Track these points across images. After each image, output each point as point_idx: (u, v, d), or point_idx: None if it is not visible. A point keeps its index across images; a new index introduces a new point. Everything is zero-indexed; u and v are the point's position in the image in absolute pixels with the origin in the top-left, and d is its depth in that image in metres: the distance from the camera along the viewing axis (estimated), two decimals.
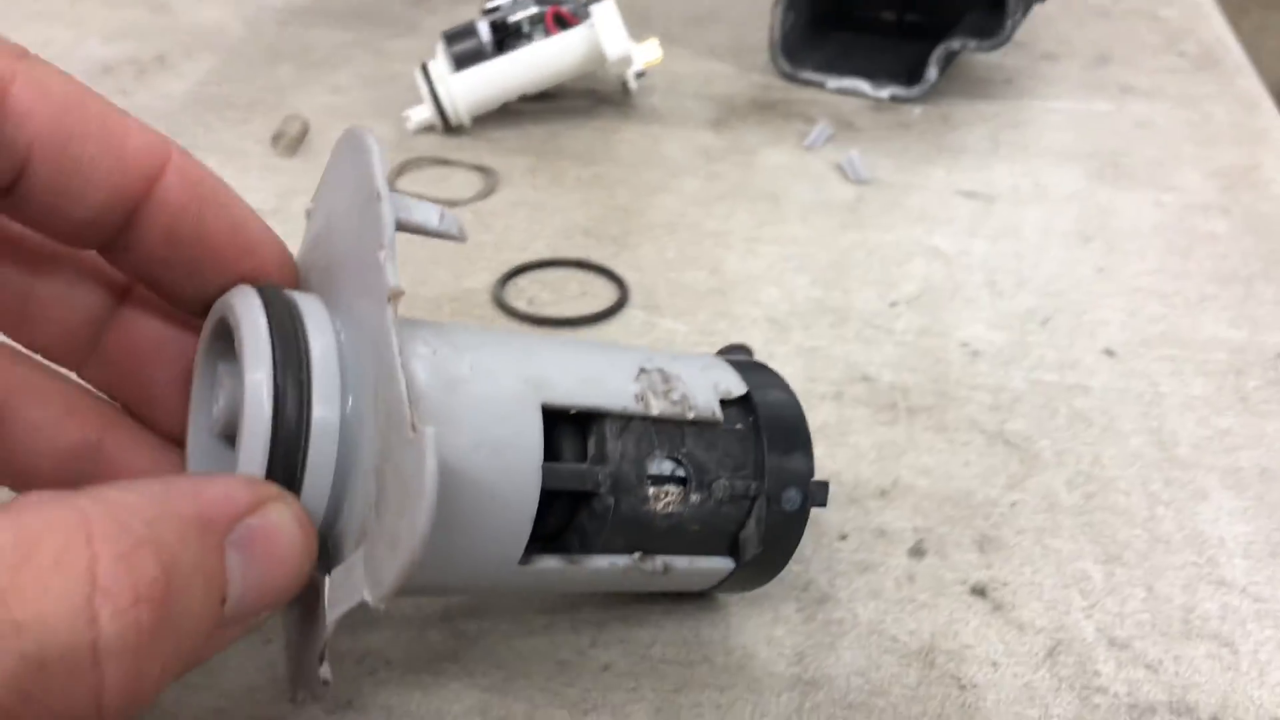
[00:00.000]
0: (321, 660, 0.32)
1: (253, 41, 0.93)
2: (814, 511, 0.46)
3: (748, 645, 0.41)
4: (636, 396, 0.36)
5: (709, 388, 0.38)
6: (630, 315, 0.60)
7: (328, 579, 0.32)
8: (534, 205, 0.71)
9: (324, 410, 0.31)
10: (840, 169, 0.76)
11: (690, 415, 0.37)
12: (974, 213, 0.72)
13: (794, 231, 0.69)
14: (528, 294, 0.62)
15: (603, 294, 0.62)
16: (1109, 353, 0.59)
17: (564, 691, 0.39)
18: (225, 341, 0.34)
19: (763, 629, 0.42)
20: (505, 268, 0.64)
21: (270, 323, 0.31)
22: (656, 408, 0.36)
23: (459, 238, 0.35)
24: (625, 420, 0.36)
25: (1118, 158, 0.79)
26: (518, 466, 0.33)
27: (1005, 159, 0.79)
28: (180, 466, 0.36)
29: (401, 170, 0.75)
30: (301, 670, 0.35)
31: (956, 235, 0.69)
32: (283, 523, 0.28)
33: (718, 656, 0.40)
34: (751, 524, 0.38)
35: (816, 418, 0.52)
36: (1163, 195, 0.74)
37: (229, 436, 0.35)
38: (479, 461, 0.32)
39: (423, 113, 0.79)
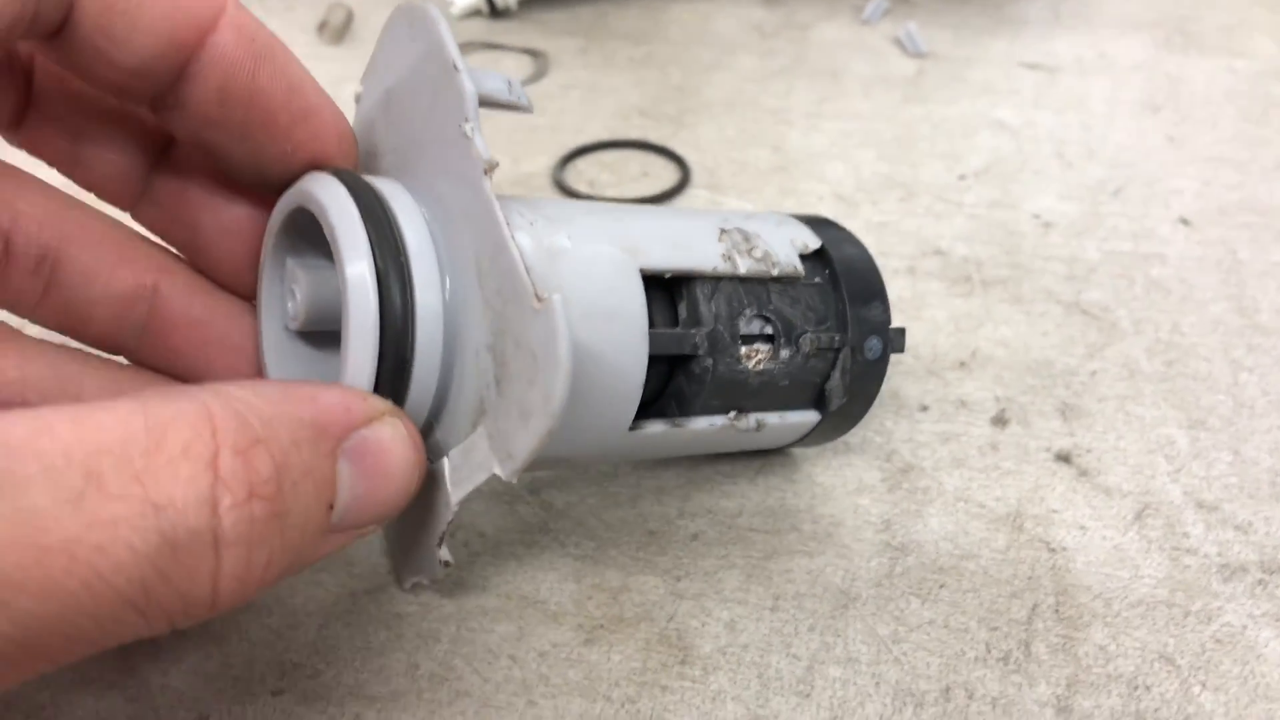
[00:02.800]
0: (441, 543, 0.33)
1: None
2: (893, 383, 0.46)
3: (834, 514, 0.41)
4: (724, 256, 0.36)
5: (787, 243, 0.38)
6: (693, 195, 0.59)
7: (445, 461, 0.32)
8: (587, 87, 0.70)
9: (428, 296, 0.30)
10: (898, 43, 0.74)
11: (774, 271, 0.37)
12: (1038, 85, 0.70)
13: (855, 107, 0.67)
14: (587, 176, 0.61)
15: (664, 174, 0.61)
16: (1184, 222, 0.57)
17: (655, 560, 0.39)
18: (296, 235, 0.34)
19: (848, 498, 0.42)
20: (563, 150, 0.63)
21: (362, 211, 0.30)
22: (743, 266, 0.36)
23: (527, 108, 0.34)
24: (715, 281, 0.35)
25: (1185, 24, 0.76)
26: (626, 333, 0.32)
27: (1067, 29, 0.77)
28: (234, 314, 0.36)
29: None
30: (417, 555, 0.35)
31: (1021, 108, 0.68)
32: (395, 437, 0.28)
33: (805, 525, 0.40)
34: (836, 375, 0.38)
35: (890, 292, 0.51)
36: (1234, 62, 0.72)
37: (307, 333, 0.35)
38: (591, 331, 0.32)
39: None
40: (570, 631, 0.36)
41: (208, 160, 0.34)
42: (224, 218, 0.36)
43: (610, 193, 0.59)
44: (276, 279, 0.35)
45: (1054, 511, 0.41)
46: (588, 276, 0.32)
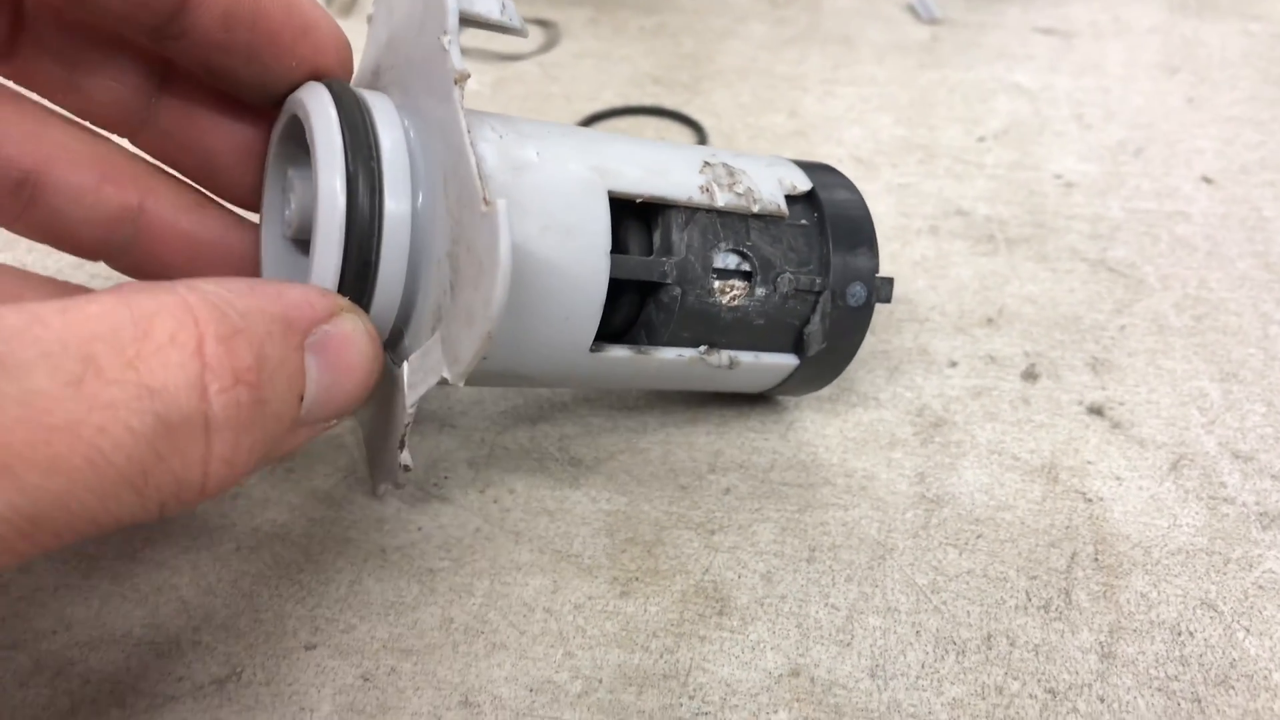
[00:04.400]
0: (402, 447, 0.33)
1: None
2: (921, 339, 0.45)
3: (867, 468, 0.41)
4: (701, 188, 0.36)
5: (774, 182, 0.38)
6: None
7: (405, 365, 0.32)
8: (599, 56, 0.69)
9: (396, 203, 0.31)
10: (911, 9, 0.74)
11: (755, 208, 0.36)
12: (1054, 49, 0.70)
13: (870, 72, 0.67)
14: None
15: (681, 139, 0.61)
16: (1207, 180, 0.57)
17: (688, 514, 0.39)
18: (295, 144, 0.34)
19: (880, 452, 0.41)
20: (577, 118, 0.62)
21: (341, 117, 0.31)
22: (722, 199, 0.36)
23: (520, 30, 0.34)
24: (690, 212, 0.35)
25: None
26: (586, 251, 0.33)
27: None
28: (224, 228, 0.36)
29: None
30: (383, 460, 0.35)
31: (1038, 72, 0.67)
32: (355, 331, 0.28)
33: (838, 479, 0.40)
34: (816, 319, 0.38)
35: (914, 251, 0.51)
36: (1250, 25, 0.71)
37: (301, 241, 0.35)
38: (548, 244, 0.32)
39: None
40: (605, 585, 0.36)
41: (210, 82, 0.34)
42: (232, 138, 0.35)
43: None
44: (277, 189, 0.35)
45: (1089, 463, 0.41)
46: (550, 191, 0.32)
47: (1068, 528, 0.38)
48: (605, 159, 0.34)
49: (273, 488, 0.39)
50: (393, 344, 0.34)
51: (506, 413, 0.43)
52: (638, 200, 0.34)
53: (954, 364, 0.45)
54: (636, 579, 0.36)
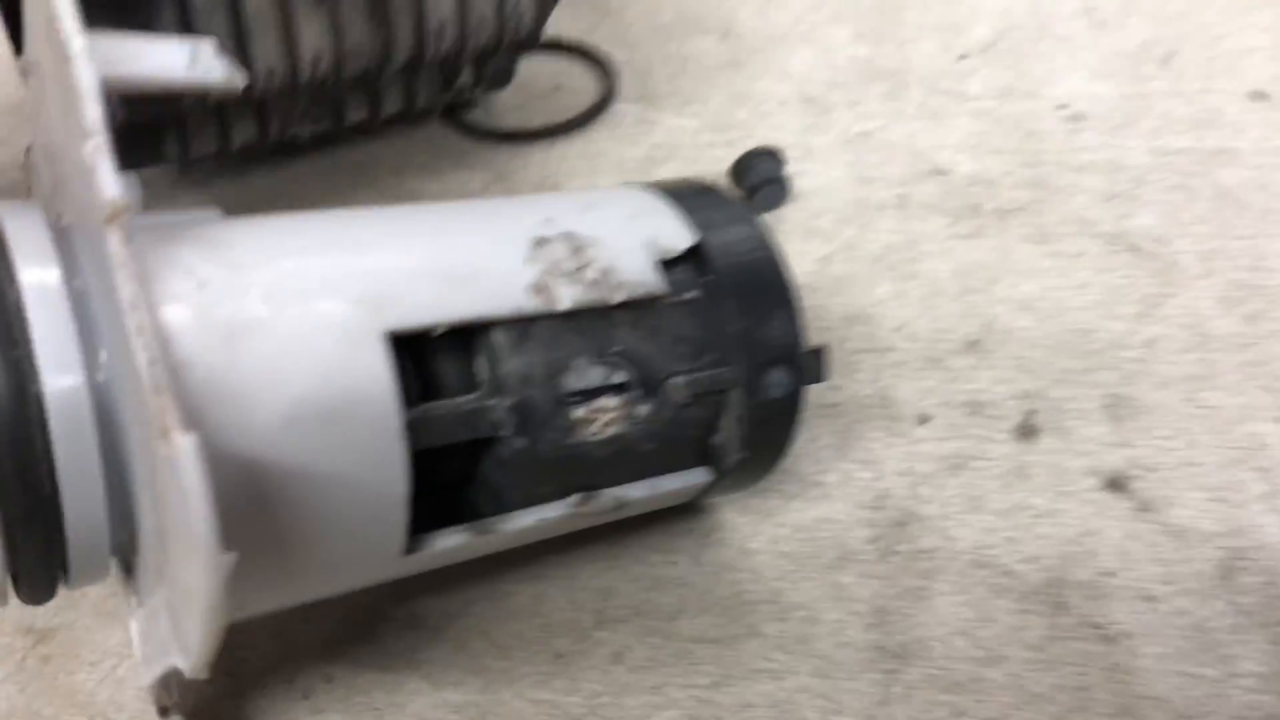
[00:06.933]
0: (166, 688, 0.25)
1: None
2: (881, 383, 0.35)
3: (807, 602, 0.30)
4: (535, 288, 0.25)
5: (640, 247, 0.27)
6: (619, 113, 0.46)
7: (132, 623, 0.25)
8: None
9: (59, 379, 0.21)
10: None
11: (619, 296, 0.26)
12: None
13: None
14: (484, 100, 0.48)
15: (581, 85, 0.48)
16: (1259, 96, 0.44)
17: (563, 702, 0.28)
18: None
19: (826, 574, 0.31)
20: None
21: None
22: (567, 297, 0.25)
23: (225, 83, 0.24)
24: (524, 325, 0.25)
25: None
26: (363, 434, 0.22)
27: None
28: None
29: None
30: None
31: None
32: None
33: (768, 625, 0.30)
34: (728, 423, 0.28)
35: (875, 238, 0.39)
36: None
37: None
38: (302, 441, 0.22)
39: None
40: None
41: None
42: None
43: (512, 120, 0.46)
44: None
45: (1107, 574, 0.30)
46: (292, 360, 0.22)
47: (1080, 691, 0.28)
48: (375, 276, 0.24)
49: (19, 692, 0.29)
50: (125, 560, 0.24)
51: None
52: (435, 334, 0.23)
53: (925, 419, 0.34)
54: None
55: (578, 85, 0.48)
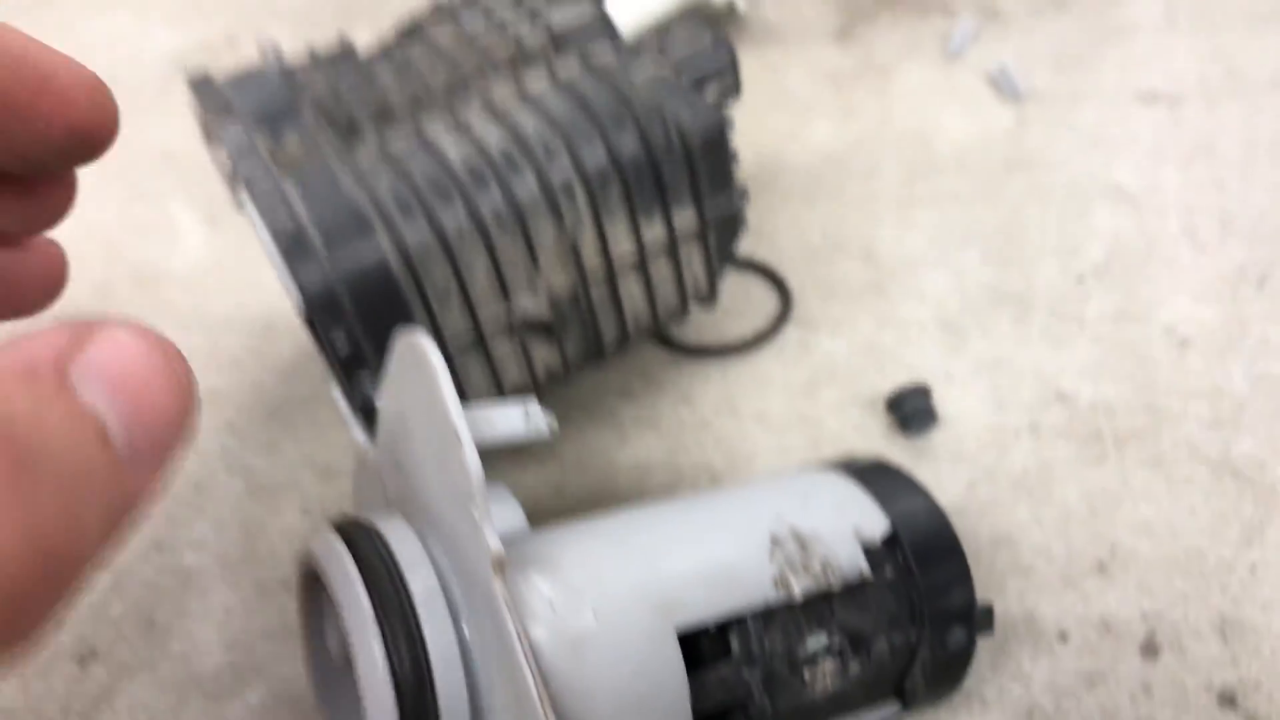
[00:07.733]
0: None
1: None
2: (1028, 602, 0.42)
3: None
4: (776, 582, 0.33)
5: (849, 538, 0.35)
6: (785, 337, 0.54)
7: None
8: None
9: (441, 646, 0.28)
10: (993, 82, 0.67)
11: (837, 586, 0.34)
12: (1158, 125, 0.62)
13: (951, 184, 0.61)
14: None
15: (736, 305, 0.56)
16: None
17: None
18: (320, 584, 0.32)
19: None
20: None
21: (363, 570, 0.29)
22: (799, 587, 0.33)
23: (547, 437, 0.32)
24: (768, 615, 0.33)
25: None
26: (666, 713, 0.30)
27: (1186, 35, 0.68)
28: None
29: None
30: None
31: (1140, 163, 0.60)
32: (125, 343, 0.24)
33: None
34: (917, 671, 0.35)
35: (1014, 463, 0.47)
36: None
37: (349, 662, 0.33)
38: None
39: None
40: None
41: None
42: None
43: (709, 334, 0.55)
44: (315, 614, 0.34)
45: None
46: (618, 662, 0.30)
47: None
48: (667, 584, 0.32)
49: None
50: None
51: None
52: (711, 630, 0.32)
53: (1064, 636, 0.41)
54: None
55: (736, 305, 0.56)
